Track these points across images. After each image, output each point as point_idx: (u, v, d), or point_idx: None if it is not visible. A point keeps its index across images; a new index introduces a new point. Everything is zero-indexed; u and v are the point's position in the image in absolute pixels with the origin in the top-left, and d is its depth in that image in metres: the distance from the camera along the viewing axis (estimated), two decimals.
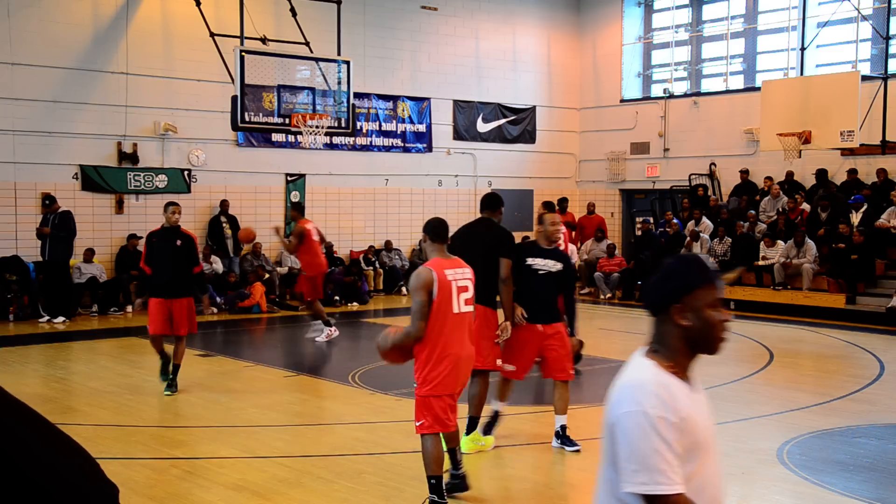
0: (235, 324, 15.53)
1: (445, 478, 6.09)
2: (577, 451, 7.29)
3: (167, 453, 7.20)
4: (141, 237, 15.86)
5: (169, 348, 9.75)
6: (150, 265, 9.57)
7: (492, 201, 7.69)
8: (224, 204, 17.71)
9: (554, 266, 7.45)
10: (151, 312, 9.48)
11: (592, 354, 11.53)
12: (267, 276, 17.51)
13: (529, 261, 7.47)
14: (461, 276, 5.91)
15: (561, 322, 7.48)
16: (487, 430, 7.51)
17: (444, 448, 6.03)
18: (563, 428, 7.40)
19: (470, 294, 5.94)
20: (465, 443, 7.14)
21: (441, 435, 5.91)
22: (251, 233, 14.54)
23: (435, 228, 5.96)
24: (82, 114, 16.43)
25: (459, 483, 6.23)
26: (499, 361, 7.31)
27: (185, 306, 9.54)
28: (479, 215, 7.83)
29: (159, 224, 9.88)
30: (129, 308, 16.07)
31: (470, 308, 5.94)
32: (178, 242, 9.48)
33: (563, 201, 20.45)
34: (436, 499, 5.85)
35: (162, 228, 9.64)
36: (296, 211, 14.27)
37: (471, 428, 7.36)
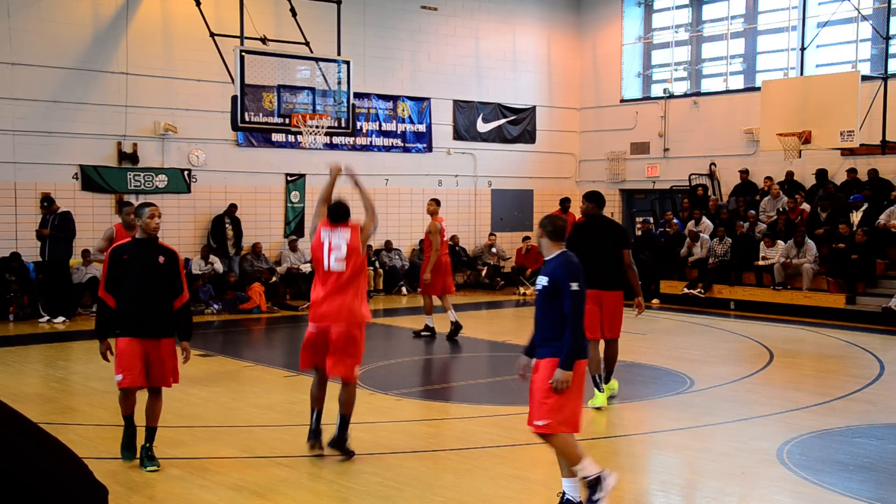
0: (235, 324, 15.54)
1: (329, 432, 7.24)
2: None
3: (167, 453, 7.19)
4: None
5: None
6: (117, 292, 6.77)
7: (601, 200, 9.18)
8: (232, 208, 17.78)
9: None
10: (124, 357, 6.76)
11: None
12: (274, 279, 17.50)
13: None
14: (336, 237, 7.03)
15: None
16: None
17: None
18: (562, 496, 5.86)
19: (342, 254, 6.99)
20: (600, 398, 8.88)
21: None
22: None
23: (330, 212, 7.19)
24: (82, 114, 16.43)
25: (341, 443, 7.09)
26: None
27: (168, 350, 6.89)
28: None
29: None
30: None
31: (340, 267, 6.99)
32: (161, 259, 6.80)
33: (566, 201, 20.46)
34: (311, 424, 7.26)
35: (134, 240, 6.91)
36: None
37: (606, 380, 9.02)
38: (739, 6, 20.96)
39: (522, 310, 18.06)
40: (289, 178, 18.93)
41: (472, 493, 6.35)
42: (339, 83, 15.02)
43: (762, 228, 18.02)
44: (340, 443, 7.05)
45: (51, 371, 11.15)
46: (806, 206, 17.96)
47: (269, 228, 18.74)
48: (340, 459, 6.99)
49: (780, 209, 18.35)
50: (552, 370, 5.58)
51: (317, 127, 14.69)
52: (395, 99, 20.31)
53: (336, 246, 7.01)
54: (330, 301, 6.96)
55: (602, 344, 9.16)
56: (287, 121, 14.66)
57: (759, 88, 18.35)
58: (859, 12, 17.84)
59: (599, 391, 8.96)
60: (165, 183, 17.36)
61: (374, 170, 20.04)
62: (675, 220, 19.40)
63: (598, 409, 8.91)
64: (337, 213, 7.18)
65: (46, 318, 15.03)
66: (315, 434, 7.14)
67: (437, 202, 13.82)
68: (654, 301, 18.36)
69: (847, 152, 17.81)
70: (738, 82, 20.99)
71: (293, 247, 18.60)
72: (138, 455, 6.95)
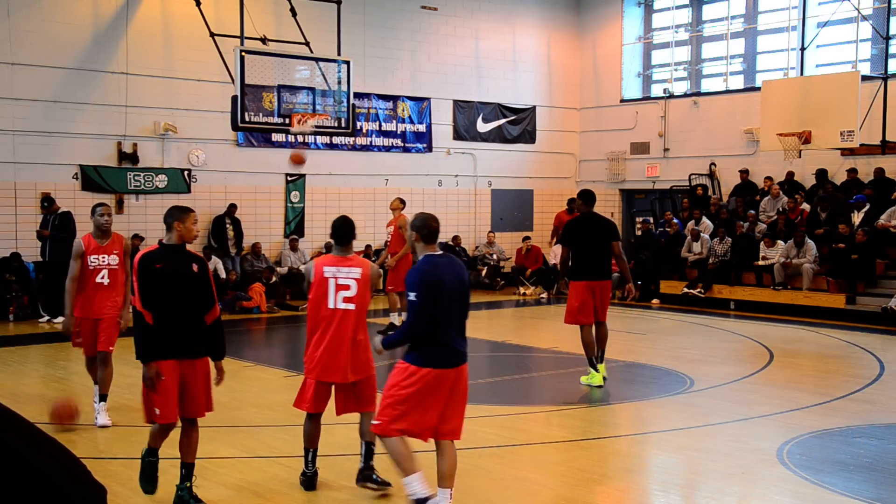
0: (235, 324, 15.52)
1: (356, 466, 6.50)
2: None
3: (167, 453, 7.18)
4: (143, 238, 15.85)
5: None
6: (154, 308, 5.86)
7: (593, 198, 10.22)
8: (232, 208, 17.81)
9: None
10: (161, 387, 5.88)
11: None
12: (274, 279, 17.51)
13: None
14: (344, 274, 6.15)
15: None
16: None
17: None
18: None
19: (351, 293, 6.12)
20: (596, 378, 9.85)
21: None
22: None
23: (335, 232, 6.34)
24: (82, 114, 16.43)
25: (367, 475, 6.33)
26: None
27: (203, 372, 6.08)
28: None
29: (160, 234, 6.36)
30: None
31: (349, 306, 6.14)
32: (195, 268, 6.02)
33: (573, 202, 20.42)
34: (307, 469, 6.43)
35: (163, 247, 6.03)
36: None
37: (600, 360, 9.97)
38: (739, 6, 20.96)
39: (522, 310, 18.07)
40: (289, 178, 18.93)
41: (472, 493, 6.34)
42: (339, 83, 15.01)
43: (762, 228, 18.02)
44: (370, 474, 6.33)
45: (51, 371, 11.15)
46: (806, 206, 17.96)
47: (269, 228, 18.75)
48: (375, 491, 6.30)
49: (780, 209, 18.35)
50: (396, 371, 5.68)
51: (317, 127, 14.70)
52: (395, 99, 20.31)
53: (344, 285, 6.13)
54: (337, 350, 6.19)
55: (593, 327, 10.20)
56: (287, 121, 14.65)
57: (759, 88, 18.34)
58: (859, 12, 17.83)
59: (595, 370, 9.92)
60: (165, 183, 17.36)
61: (374, 170, 20.05)
62: (675, 220, 19.41)
63: (600, 386, 9.83)
64: (342, 233, 6.28)
65: (46, 318, 15.03)
66: (311, 481, 6.40)
67: (402, 201, 14.42)
68: (654, 301, 18.36)
69: (847, 152, 17.80)
70: (738, 82, 20.99)
71: (293, 246, 18.60)
72: (175, 495, 6.13)
